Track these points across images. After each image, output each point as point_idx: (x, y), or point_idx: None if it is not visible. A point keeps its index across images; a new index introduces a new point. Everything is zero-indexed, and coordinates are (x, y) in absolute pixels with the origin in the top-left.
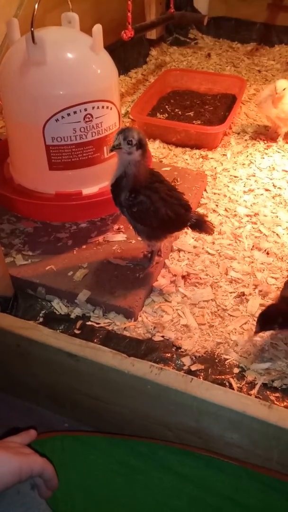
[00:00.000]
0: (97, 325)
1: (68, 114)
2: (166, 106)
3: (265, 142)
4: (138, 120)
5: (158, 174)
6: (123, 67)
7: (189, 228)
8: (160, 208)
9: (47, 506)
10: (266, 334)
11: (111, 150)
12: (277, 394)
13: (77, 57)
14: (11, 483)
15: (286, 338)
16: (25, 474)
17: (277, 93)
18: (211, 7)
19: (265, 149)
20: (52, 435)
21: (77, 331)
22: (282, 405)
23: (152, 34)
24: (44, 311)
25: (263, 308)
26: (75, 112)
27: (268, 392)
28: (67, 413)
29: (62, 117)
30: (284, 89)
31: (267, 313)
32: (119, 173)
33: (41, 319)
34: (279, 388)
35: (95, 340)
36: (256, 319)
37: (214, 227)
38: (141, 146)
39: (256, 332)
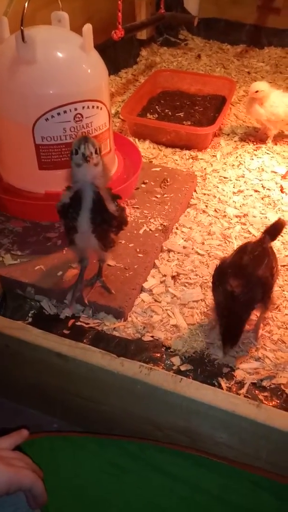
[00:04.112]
0: (86, 325)
1: (58, 114)
2: (156, 107)
3: (255, 143)
4: (128, 120)
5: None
6: (113, 67)
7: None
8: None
9: None
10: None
11: (83, 162)
12: (266, 394)
13: (67, 56)
14: None
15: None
16: (14, 488)
17: (249, 93)
18: (202, 8)
19: (254, 150)
20: (41, 436)
21: (66, 332)
22: (270, 404)
23: (142, 35)
24: (33, 311)
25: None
26: (65, 112)
27: (257, 391)
28: (57, 413)
29: (52, 116)
30: (257, 91)
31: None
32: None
33: (30, 319)
34: (268, 388)
35: (84, 341)
36: None
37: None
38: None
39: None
